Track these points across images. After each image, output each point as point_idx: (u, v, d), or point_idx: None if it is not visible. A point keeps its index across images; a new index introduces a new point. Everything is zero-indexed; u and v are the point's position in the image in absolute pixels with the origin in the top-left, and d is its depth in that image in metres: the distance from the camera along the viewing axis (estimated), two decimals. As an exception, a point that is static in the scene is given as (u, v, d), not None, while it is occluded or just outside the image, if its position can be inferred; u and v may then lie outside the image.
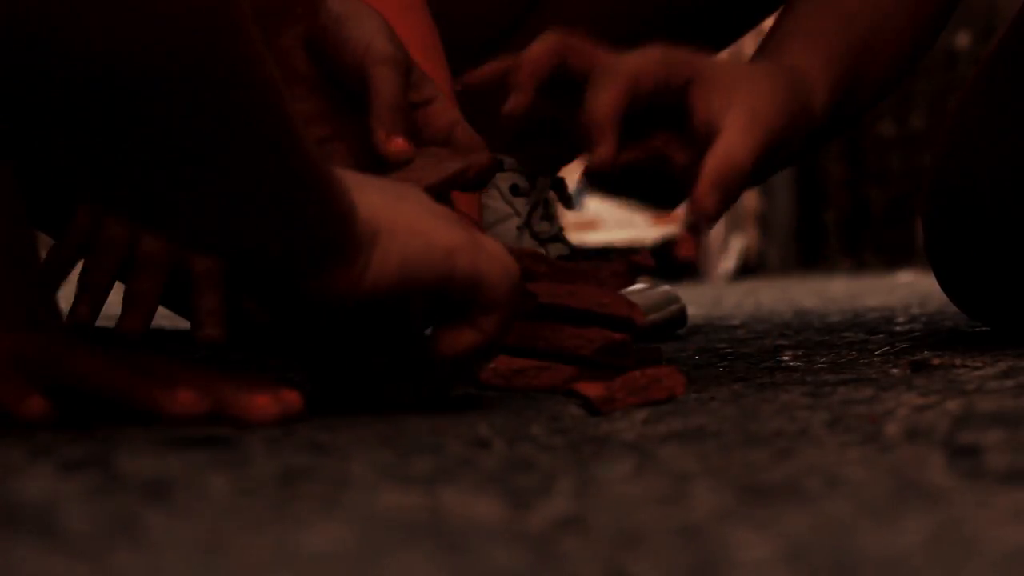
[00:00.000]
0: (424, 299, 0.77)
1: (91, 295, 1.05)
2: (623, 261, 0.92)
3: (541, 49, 0.99)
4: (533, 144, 1.35)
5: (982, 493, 0.54)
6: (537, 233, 1.36)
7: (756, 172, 0.98)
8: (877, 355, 1.07)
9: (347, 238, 0.72)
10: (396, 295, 0.75)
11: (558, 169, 1.39)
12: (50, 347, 0.75)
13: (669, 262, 0.98)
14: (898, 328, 1.41)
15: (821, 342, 1.26)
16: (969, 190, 1.11)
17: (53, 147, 0.65)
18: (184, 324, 1.30)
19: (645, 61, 0.98)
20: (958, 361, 0.94)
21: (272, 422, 0.72)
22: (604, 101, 0.96)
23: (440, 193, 0.86)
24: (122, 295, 1.06)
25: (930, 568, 0.43)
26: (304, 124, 0.70)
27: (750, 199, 8.75)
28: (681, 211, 0.98)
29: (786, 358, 1.09)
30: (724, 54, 1.40)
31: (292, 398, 0.74)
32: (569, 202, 1.37)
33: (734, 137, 0.96)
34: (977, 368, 0.90)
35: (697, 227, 0.96)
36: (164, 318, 1.10)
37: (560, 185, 1.39)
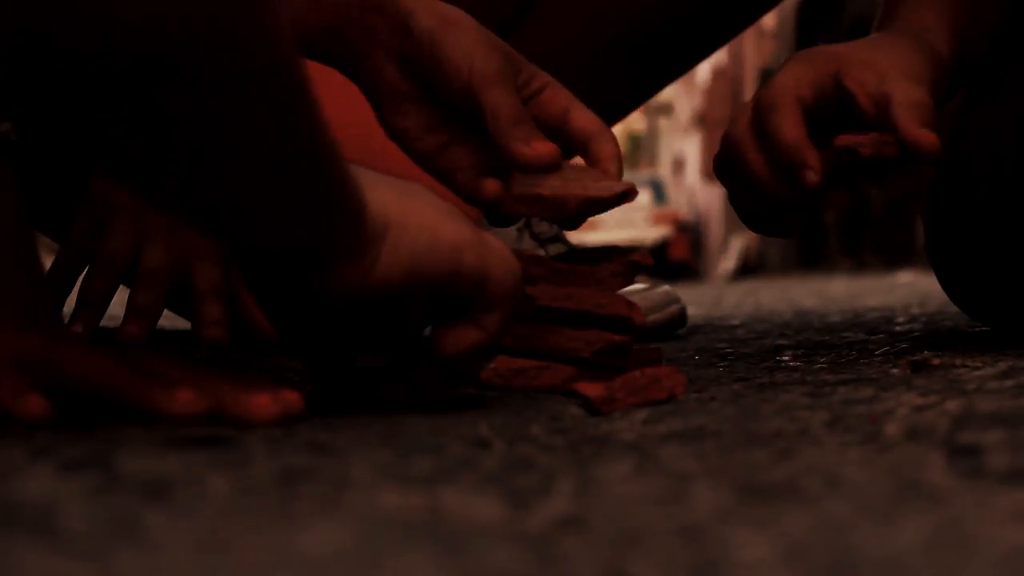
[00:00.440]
0: (429, 296, 0.77)
1: (89, 309, 1.05)
2: (621, 260, 0.92)
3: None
4: None
5: (982, 493, 0.54)
6: (537, 234, 1.36)
7: None
8: (877, 355, 1.07)
9: (358, 232, 0.73)
10: (403, 290, 0.75)
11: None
12: (50, 347, 0.75)
13: (664, 262, 0.98)
14: (898, 328, 1.40)
15: (821, 342, 1.26)
16: (969, 190, 1.11)
17: (78, 127, 0.65)
18: (184, 324, 1.30)
19: (792, 71, 1.01)
20: (958, 361, 0.94)
21: (272, 422, 0.72)
22: (789, 123, 0.98)
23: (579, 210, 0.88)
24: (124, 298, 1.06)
25: (930, 568, 0.43)
26: (323, 113, 0.70)
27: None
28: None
29: (786, 358, 1.09)
30: (722, 52, 1.40)
31: (292, 398, 0.74)
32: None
33: (904, 89, 0.98)
34: (977, 368, 0.90)
35: (923, 160, 0.98)
36: (164, 318, 1.10)
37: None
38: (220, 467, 0.60)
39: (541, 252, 1.32)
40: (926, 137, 0.97)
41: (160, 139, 0.65)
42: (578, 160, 0.94)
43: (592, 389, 0.84)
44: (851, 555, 0.45)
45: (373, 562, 0.45)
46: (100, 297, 1.05)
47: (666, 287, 1.46)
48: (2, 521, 0.50)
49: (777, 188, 1.00)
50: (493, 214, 0.90)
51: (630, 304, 0.91)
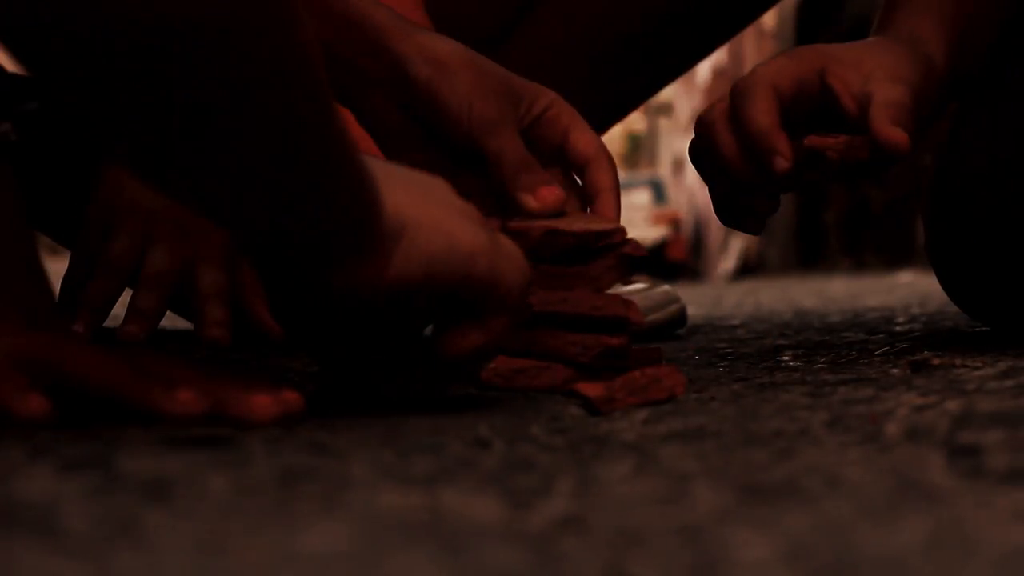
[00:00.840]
0: (439, 297, 0.77)
1: (90, 311, 1.05)
2: (613, 255, 0.92)
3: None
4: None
5: (982, 493, 0.54)
6: None
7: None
8: (877, 355, 1.07)
9: (372, 230, 0.73)
10: (415, 291, 0.75)
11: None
12: (50, 347, 0.75)
13: (661, 262, 0.99)
14: (898, 328, 1.40)
15: (821, 342, 1.25)
16: (969, 190, 1.11)
17: (97, 117, 0.65)
18: (184, 324, 1.30)
19: (776, 65, 1.01)
20: (958, 361, 0.94)
21: (272, 422, 0.72)
22: (760, 109, 0.98)
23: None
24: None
25: (930, 568, 0.43)
26: (337, 107, 0.70)
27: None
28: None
29: (786, 358, 1.09)
30: (722, 52, 1.40)
31: (292, 398, 0.74)
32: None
33: (886, 89, 0.98)
34: (977, 368, 0.90)
35: (891, 159, 0.97)
36: (165, 318, 1.10)
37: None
38: (220, 467, 0.60)
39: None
40: (895, 135, 0.96)
41: (174, 128, 0.65)
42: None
43: (592, 389, 0.84)
44: (851, 555, 0.45)
45: (373, 562, 0.45)
46: (102, 300, 1.05)
47: (666, 287, 1.46)
48: (2, 521, 0.50)
49: (746, 173, 0.99)
50: None
51: (626, 303, 0.91)
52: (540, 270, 0.91)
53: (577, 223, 0.91)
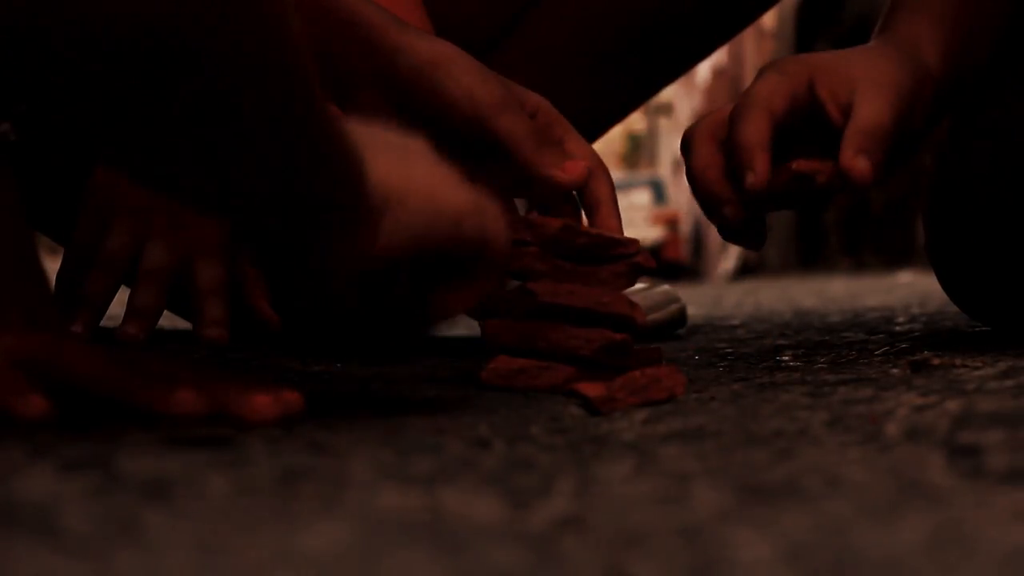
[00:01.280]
0: (429, 261, 0.77)
1: (89, 309, 1.05)
2: (625, 262, 0.93)
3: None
4: None
5: (982, 493, 0.54)
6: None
7: (900, 139, 1.00)
8: (877, 355, 1.07)
9: (358, 203, 0.73)
10: (406, 258, 0.75)
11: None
12: (50, 347, 0.75)
13: (658, 262, 0.99)
14: (898, 328, 1.40)
15: (821, 342, 1.26)
16: (969, 190, 1.11)
17: (76, 105, 0.65)
18: (184, 324, 1.30)
19: (767, 81, 1.02)
20: (958, 361, 0.94)
21: (272, 422, 0.72)
22: (752, 128, 0.99)
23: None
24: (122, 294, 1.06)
25: (930, 568, 0.43)
26: (321, 89, 0.70)
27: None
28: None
29: (786, 358, 1.09)
30: (722, 52, 1.40)
31: (292, 398, 0.74)
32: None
33: (867, 105, 0.99)
34: (977, 368, 0.90)
35: (855, 190, 0.99)
36: (164, 318, 1.10)
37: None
38: (220, 467, 0.60)
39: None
40: (857, 166, 0.97)
41: (155, 110, 0.65)
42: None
43: (592, 389, 0.84)
44: (851, 555, 0.45)
45: (373, 562, 0.45)
46: (100, 297, 1.05)
47: (666, 286, 1.46)
48: (2, 521, 0.50)
49: (715, 187, 1.01)
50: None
51: (631, 303, 0.91)
52: (551, 262, 0.92)
53: (594, 228, 0.92)
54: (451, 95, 0.88)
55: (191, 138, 0.66)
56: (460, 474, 0.61)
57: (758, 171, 0.98)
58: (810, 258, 7.54)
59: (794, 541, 0.47)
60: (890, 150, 1.00)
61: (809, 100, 1.01)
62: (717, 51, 1.37)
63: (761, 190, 0.98)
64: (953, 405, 0.74)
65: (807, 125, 1.02)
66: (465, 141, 0.90)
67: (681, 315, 1.45)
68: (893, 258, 6.08)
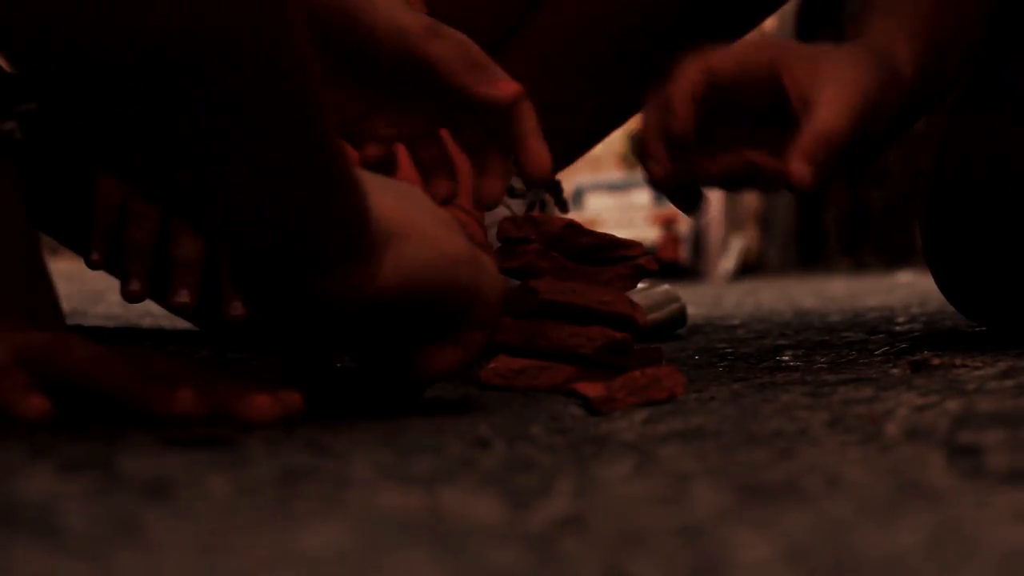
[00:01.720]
0: (420, 308, 0.77)
1: (140, 261, 1.04)
2: (628, 264, 0.93)
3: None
4: None
5: (982, 493, 0.54)
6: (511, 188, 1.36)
7: (857, 145, 1.01)
8: (877, 355, 1.07)
9: (362, 237, 0.72)
10: (401, 298, 0.75)
11: (555, 172, 1.39)
12: (51, 346, 0.75)
13: (657, 262, 0.99)
14: (898, 328, 1.41)
15: (821, 342, 1.26)
16: (966, 191, 1.11)
17: (86, 124, 0.65)
18: (184, 324, 1.30)
19: (722, 49, 1.02)
20: (958, 361, 0.94)
21: (272, 422, 0.72)
22: (682, 81, 1.00)
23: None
24: (119, 291, 1.06)
25: (930, 568, 0.43)
26: (331, 120, 0.69)
27: (750, 199, 8.75)
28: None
29: (786, 358, 1.09)
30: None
31: (292, 398, 0.74)
32: (564, 205, 1.37)
33: (826, 107, 0.99)
34: (977, 368, 0.90)
35: (795, 193, 0.99)
36: (164, 318, 1.10)
37: (555, 187, 1.39)
38: (220, 467, 0.60)
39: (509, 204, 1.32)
40: (799, 172, 0.98)
41: (165, 138, 0.65)
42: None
43: (592, 389, 0.84)
44: (851, 555, 0.45)
45: (373, 562, 0.45)
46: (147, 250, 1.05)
47: (666, 286, 1.47)
48: (2, 521, 0.50)
49: (644, 142, 1.03)
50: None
51: (632, 303, 0.91)
52: (554, 260, 0.92)
53: (598, 232, 0.93)
54: (377, 26, 0.86)
55: (196, 159, 0.66)
56: (460, 474, 0.61)
57: (678, 115, 0.99)
58: (810, 258, 7.55)
59: (794, 541, 0.47)
60: (842, 156, 1.00)
61: (767, 77, 1.01)
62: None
63: (685, 138, 1.00)
64: (953, 405, 0.74)
65: (771, 107, 1.02)
66: (392, 74, 0.88)
67: (681, 315, 1.45)
68: (893, 258, 6.08)
